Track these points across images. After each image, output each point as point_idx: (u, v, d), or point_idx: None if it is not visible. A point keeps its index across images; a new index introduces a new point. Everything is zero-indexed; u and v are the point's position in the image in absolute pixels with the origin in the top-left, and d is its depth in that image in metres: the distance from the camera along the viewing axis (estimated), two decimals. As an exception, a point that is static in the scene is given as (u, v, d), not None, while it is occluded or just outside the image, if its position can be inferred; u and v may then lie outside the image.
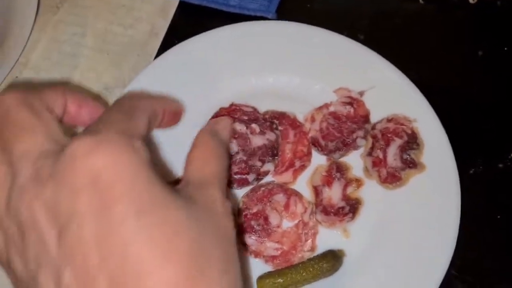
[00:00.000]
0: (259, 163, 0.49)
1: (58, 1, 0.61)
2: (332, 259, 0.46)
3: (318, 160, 0.51)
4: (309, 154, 0.51)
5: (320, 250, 0.48)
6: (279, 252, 0.47)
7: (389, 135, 0.50)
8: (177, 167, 0.49)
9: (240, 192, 0.50)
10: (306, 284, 0.46)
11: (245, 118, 0.51)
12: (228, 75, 0.53)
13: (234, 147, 0.50)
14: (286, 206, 0.49)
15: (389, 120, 0.51)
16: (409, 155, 0.49)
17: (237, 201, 0.49)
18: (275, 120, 0.52)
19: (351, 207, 0.48)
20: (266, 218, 0.48)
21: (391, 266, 0.46)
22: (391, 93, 0.51)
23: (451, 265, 0.45)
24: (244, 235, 0.48)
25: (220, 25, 0.55)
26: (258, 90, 0.53)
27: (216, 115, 0.51)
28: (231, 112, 0.51)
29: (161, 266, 0.25)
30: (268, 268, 0.47)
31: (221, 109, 0.52)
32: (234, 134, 0.50)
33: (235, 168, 0.49)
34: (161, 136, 0.49)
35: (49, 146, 0.29)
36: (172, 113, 0.40)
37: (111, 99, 0.55)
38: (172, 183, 0.45)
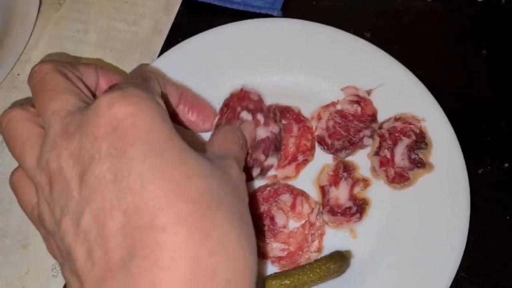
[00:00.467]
0: (262, 157, 0.48)
1: (60, -3, 0.60)
2: (339, 260, 0.45)
3: (325, 159, 0.50)
4: (312, 148, 0.51)
5: (327, 251, 0.47)
6: (285, 253, 0.47)
7: (396, 135, 0.49)
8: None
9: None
10: (313, 286, 0.45)
11: (252, 106, 0.49)
12: (233, 73, 0.53)
13: None
14: (293, 206, 0.48)
15: (396, 119, 0.50)
16: (417, 154, 0.48)
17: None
18: (278, 113, 0.50)
19: (358, 207, 0.48)
20: (272, 219, 0.47)
21: (399, 267, 0.45)
22: (399, 91, 0.51)
23: (460, 266, 0.44)
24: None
25: (224, 23, 0.54)
26: (263, 88, 0.52)
27: (227, 103, 0.50)
28: (241, 99, 0.49)
29: (172, 204, 0.26)
30: (274, 269, 0.46)
31: (232, 94, 0.50)
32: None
33: None
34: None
35: (80, 105, 0.31)
36: (190, 102, 0.44)
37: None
38: None
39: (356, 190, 0.49)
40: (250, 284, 0.29)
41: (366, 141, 0.50)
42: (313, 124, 0.51)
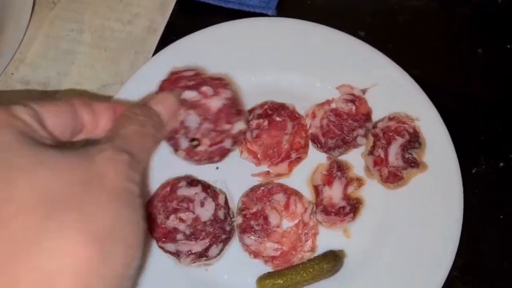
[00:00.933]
0: (227, 126, 0.46)
1: (54, -3, 0.60)
2: (332, 260, 0.45)
3: (319, 158, 0.50)
4: (306, 146, 0.51)
5: (320, 250, 0.47)
6: (279, 252, 0.47)
7: (390, 134, 0.49)
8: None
9: (239, 192, 0.49)
10: (306, 285, 0.45)
11: (192, 83, 0.46)
12: (227, 72, 0.52)
13: (195, 118, 0.45)
14: (286, 206, 0.48)
15: (390, 118, 0.50)
16: (411, 154, 0.48)
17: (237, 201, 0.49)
18: (225, 78, 0.48)
19: (352, 207, 0.48)
20: (265, 218, 0.47)
21: (392, 266, 0.45)
22: (393, 91, 0.51)
23: (453, 266, 0.44)
24: (244, 235, 0.47)
25: (219, 22, 0.54)
26: (257, 87, 0.52)
27: (160, 89, 0.46)
28: (174, 82, 0.46)
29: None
30: (267, 268, 0.46)
31: (163, 81, 0.47)
32: (188, 105, 0.45)
33: (207, 141, 0.45)
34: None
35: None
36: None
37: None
38: None
39: (350, 189, 0.49)
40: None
41: (360, 140, 0.50)
42: (307, 122, 0.51)
